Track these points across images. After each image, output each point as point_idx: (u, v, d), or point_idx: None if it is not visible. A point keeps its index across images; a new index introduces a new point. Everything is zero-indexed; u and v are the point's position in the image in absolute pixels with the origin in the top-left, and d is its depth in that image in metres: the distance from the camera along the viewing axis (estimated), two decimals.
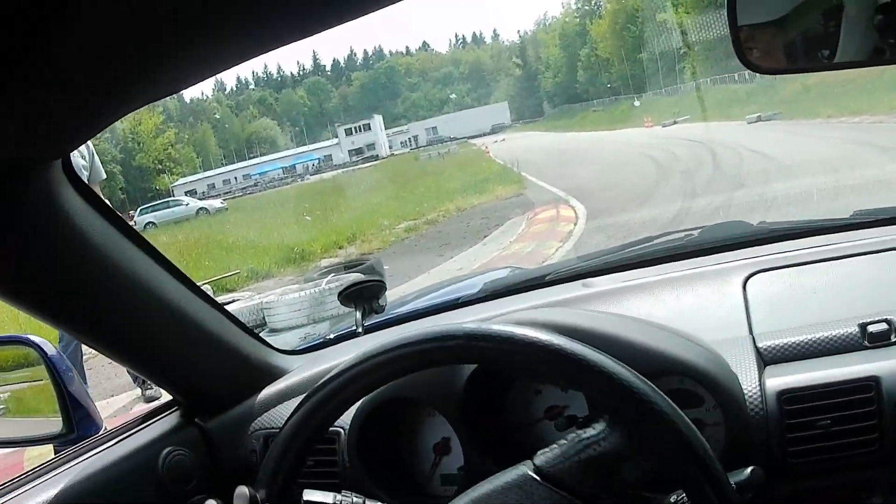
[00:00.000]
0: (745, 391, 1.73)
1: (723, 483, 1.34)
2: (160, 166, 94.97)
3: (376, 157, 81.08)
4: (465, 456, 1.91)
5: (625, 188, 20.45)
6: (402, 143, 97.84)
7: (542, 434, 1.95)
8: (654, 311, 2.05)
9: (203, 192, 78.59)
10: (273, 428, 2.09)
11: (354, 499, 1.60)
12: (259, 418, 2.15)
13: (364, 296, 2.34)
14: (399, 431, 2.04)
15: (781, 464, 1.68)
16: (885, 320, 1.81)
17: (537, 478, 1.40)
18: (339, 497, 1.59)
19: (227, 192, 75.64)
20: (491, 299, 2.44)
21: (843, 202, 12.17)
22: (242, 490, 1.53)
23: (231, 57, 1.19)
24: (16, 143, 1.28)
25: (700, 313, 2.07)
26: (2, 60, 0.97)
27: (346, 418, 1.92)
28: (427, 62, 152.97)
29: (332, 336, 2.53)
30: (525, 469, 1.41)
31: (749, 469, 1.44)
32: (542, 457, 1.42)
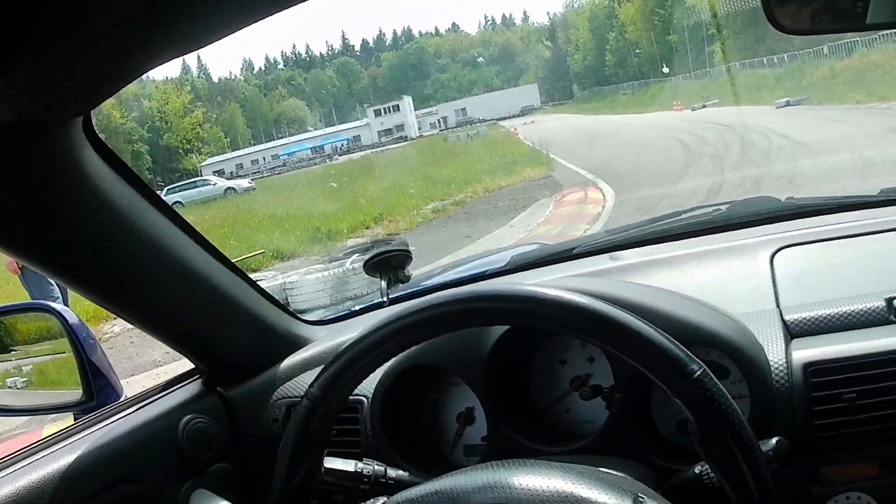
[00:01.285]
0: (772, 363, 1.72)
1: (755, 453, 1.32)
2: (188, 146, 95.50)
3: (405, 138, 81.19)
4: (489, 426, 1.91)
5: (654, 171, 20.49)
6: (431, 124, 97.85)
7: (569, 405, 1.95)
8: (681, 283, 2.04)
9: (231, 173, 79.12)
10: (296, 397, 2.09)
11: (376, 466, 1.62)
12: (282, 387, 2.16)
13: (389, 265, 2.33)
14: (423, 400, 2.04)
15: (807, 437, 1.67)
16: None
17: None
18: (360, 465, 1.61)
19: (255, 172, 76.09)
20: (518, 271, 2.44)
21: (869, 184, 12.20)
22: None
23: (247, 14, 1.17)
24: (37, 100, 1.28)
25: (727, 287, 2.06)
26: (24, 19, 0.97)
27: (370, 387, 1.92)
28: (457, 43, 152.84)
29: (357, 308, 2.53)
30: None
31: (775, 440, 1.42)
32: None
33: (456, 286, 2.38)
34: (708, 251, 2.25)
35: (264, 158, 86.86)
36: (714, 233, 2.40)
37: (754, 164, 18.78)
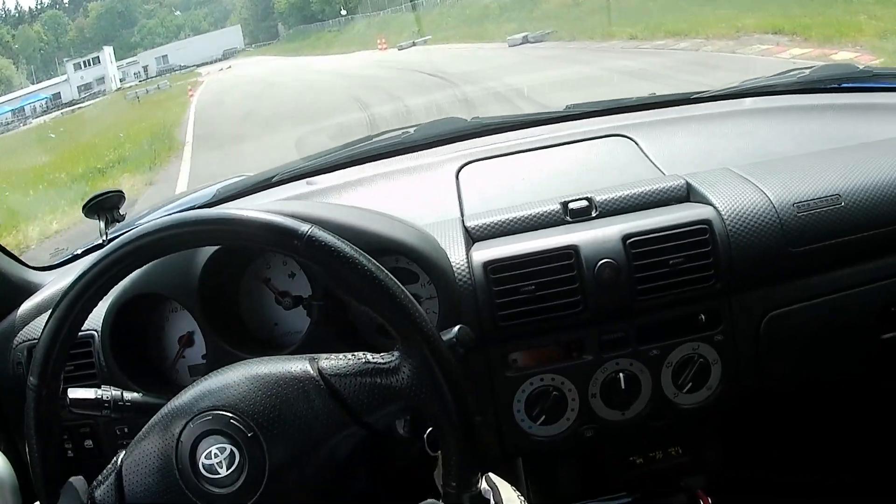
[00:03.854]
0: (454, 264, 1.90)
1: (437, 340, 1.45)
2: None
3: (104, 93, 76.79)
4: (207, 346, 2.01)
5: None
6: (135, 73, 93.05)
7: (277, 319, 2.10)
8: (373, 202, 2.19)
9: None
10: (34, 339, 2.14)
11: (113, 392, 1.69)
12: (21, 332, 2.20)
13: (105, 206, 2.40)
14: (148, 329, 2.12)
15: (493, 328, 1.87)
16: (586, 198, 2.03)
17: (319, 381, 1.46)
18: (99, 392, 1.68)
19: None
20: (224, 202, 2.55)
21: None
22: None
23: None
24: None
25: (415, 201, 2.24)
26: None
27: (98, 321, 1.99)
28: None
29: (79, 251, 2.59)
30: (308, 367, 1.48)
31: (457, 327, 1.56)
32: (328, 362, 1.48)
33: None
34: (397, 170, 2.42)
35: None
36: (404, 153, 2.57)
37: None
